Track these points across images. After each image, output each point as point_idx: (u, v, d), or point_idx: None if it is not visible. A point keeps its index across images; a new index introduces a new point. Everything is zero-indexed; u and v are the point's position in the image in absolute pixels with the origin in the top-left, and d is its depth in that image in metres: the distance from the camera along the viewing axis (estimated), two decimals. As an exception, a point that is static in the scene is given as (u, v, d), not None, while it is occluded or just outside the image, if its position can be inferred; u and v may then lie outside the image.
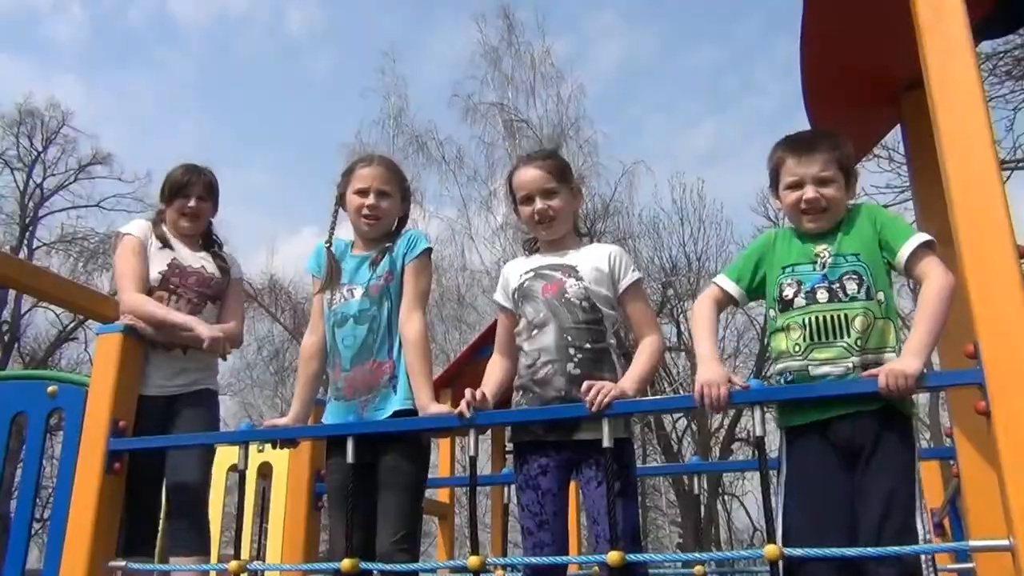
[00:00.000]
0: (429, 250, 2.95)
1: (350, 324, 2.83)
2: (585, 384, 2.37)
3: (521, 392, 2.62)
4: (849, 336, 2.26)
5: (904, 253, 2.29)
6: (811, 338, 2.30)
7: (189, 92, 37.96)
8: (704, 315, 2.50)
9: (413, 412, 2.73)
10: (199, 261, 3.47)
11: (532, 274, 2.72)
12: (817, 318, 2.30)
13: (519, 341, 2.68)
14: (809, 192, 2.38)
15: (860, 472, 2.20)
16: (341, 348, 2.84)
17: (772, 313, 2.44)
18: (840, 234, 2.39)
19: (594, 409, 2.33)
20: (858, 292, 2.29)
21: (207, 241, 3.60)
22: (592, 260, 2.68)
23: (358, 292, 2.86)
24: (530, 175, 2.75)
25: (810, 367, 2.29)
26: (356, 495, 2.58)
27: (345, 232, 3.08)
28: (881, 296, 2.31)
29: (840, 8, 2.87)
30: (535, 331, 2.61)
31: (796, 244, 2.45)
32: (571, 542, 4.77)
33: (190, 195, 3.45)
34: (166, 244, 3.44)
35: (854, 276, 2.31)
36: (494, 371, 2.76)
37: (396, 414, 2.73)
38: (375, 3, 35.82)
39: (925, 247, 2.28)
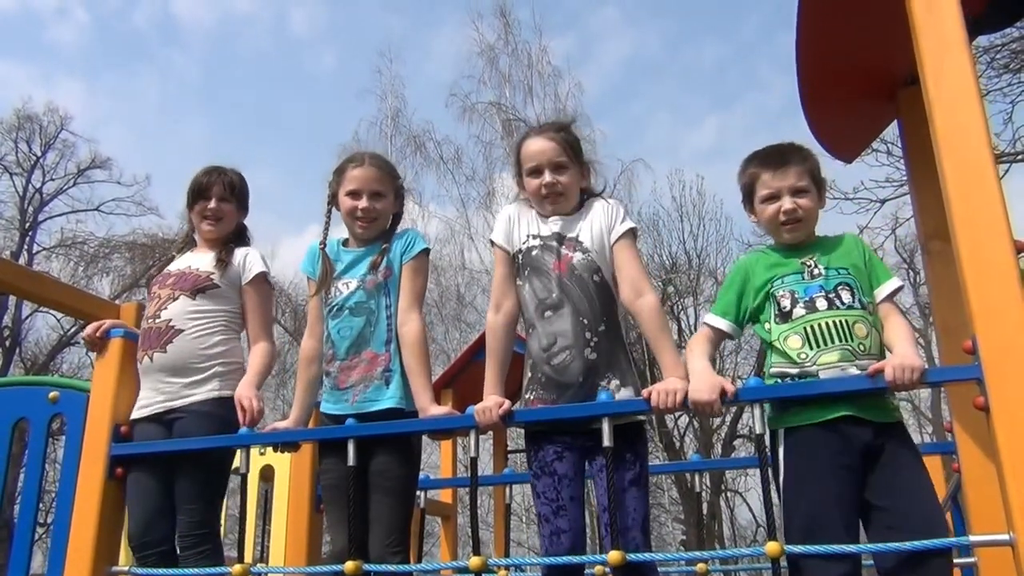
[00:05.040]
0: (427, 251, 2.97)
1: (346, 315, 2.85)
2: (646, 391, 2.36)
3: (541, 376, 2.56)
4: (852, 340, 2.31)
5: (883, 291, 2.44)
6: (816, 344, 2.33)
7: (191, 94, 37.95)
8: (693, 345, 2.56)
9: (404, 413, 2.75)
10: (187, 262, 3.23)
11: (540, 243, 2.67)
12: (819, 324, 2.34)
13: (527, 314, 2.64)
14: (787, 203, 2.47)
15: (876, 471, 2.24)
16: (336, 338, 2.86)
17: (767, 326, 2.46)
18: (821, 249, 2.49)
19: (664, 411, 2.34)
20: (852, 302, 2.37)
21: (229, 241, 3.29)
22: (592, 223, 2.65)
23: (353, 284, 2.88)
24: (540, 146, 2.68)
25: (820, 372, 2.32)
26: (356, 495, 2.61)
27: (338, 231, 3.08)
28: (871, 308, 2.41)
29: (836, 4, 2.86)
30: (548, 312, 2.58)
31: (777, 259, 2.52)
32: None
33: (210, 197, 3.24)
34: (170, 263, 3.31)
35: (846, 287, 2.40)
36: (502, 347, 2.64)
37: (387, 413, 2.74)
38: (374, 2, 35.80)
39: (898, 291, 2.45)
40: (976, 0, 2.73)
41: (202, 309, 3.11)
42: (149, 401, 3.04)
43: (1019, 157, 10.79)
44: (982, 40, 9.78)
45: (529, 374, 2.62)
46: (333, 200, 3.03)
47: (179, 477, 2.94)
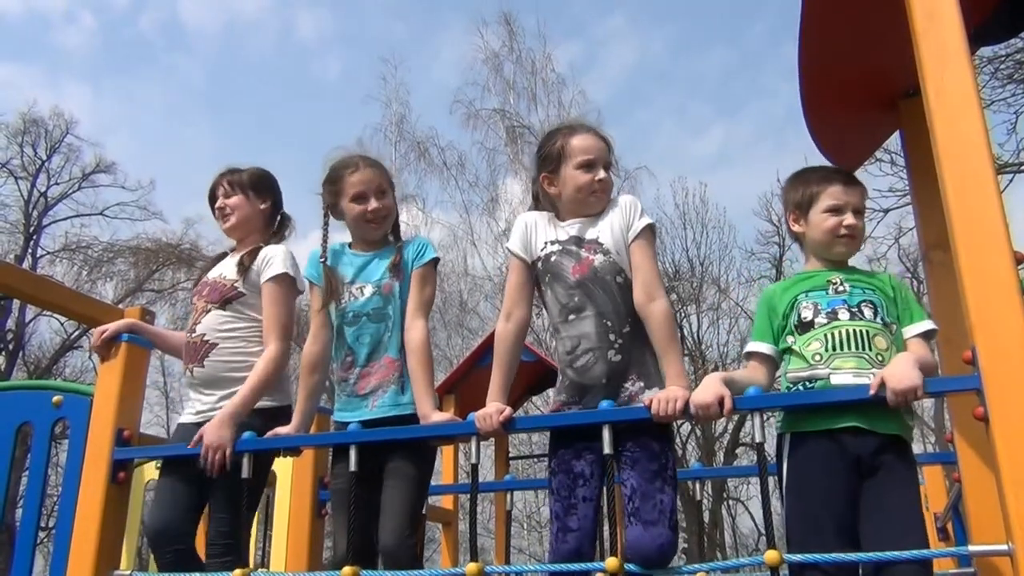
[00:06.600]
0: (436, 260, 2.99)
1: (364, 321, 2.86)
2: (647, 399, 2.37)
3: (566, 380, 2.58)
4: (871, 350, 2.34)
5: (912, 329, 2.44)
6: (833, 348, 2.36)
7: (196, 99, 37.96)
8: (742, 369, 2.61)
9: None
10: (220, 269, 3.21)
11: (559, 248, 2.65)
12: (839, 331, 2.38)
13: (552, 320, 2.65)
14: (850, 218, 2.52)
15: (870, 487, 2.25)
16: (355, 345, 2.86)
17: (791, 339, 2.48)
18: (851, 273, 2.53)
19: (664, 419, 2.32)
20: (874, 318, 2.40)
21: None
22: (612, 223, 2.63)
23: (368, 290, 2.89)
24: (598, 143, 2.68)
25: (832, 376, 2.34)
26: (360, 500, 2.60)
27: (337, 238, 3.08)
28: (894, 328, 2.43)
29: (838, 16, 2.88)
30: (571, 316, 2.57)
31: (802, 277, 2.57)
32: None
33: (217, 196, 3.26)
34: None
35: (870, 304, 2.43)
36: (509, 355, 2.64)
37: (407, 419, 2.74)
38: (379, 9, 35.86)
39: (929, 335, 2.43)
40: (979, 11, 2.75)
41: (232, 321, 3.07)
42: (196, 411, 3.05)
43: (1023, 168, 10.80)
44: (986, 51, 9.79)
45: (559, 378, 2.63)
46: (332, 210, 3.02)
47: (214, 486, 2.89)
